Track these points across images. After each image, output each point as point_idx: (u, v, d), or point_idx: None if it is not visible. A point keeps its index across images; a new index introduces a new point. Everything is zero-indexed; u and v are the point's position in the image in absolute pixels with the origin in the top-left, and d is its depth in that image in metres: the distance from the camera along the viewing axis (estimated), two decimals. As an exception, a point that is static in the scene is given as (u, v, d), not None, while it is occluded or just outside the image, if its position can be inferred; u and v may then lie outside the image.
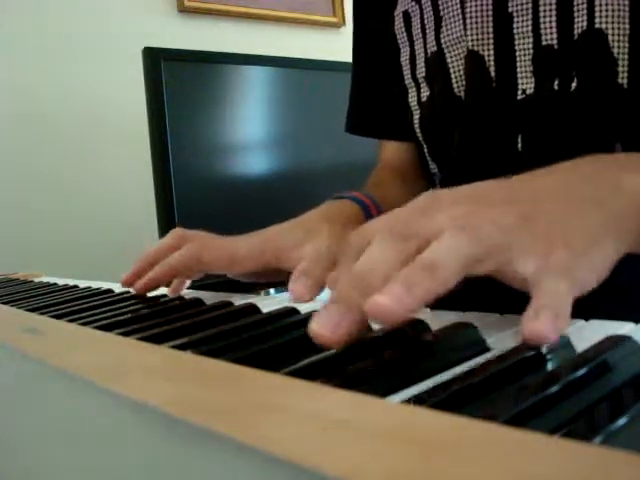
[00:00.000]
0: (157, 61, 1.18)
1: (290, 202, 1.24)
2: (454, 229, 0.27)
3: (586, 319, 0.30)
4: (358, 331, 0.26)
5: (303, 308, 0.37)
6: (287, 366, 0.25)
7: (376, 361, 0.24)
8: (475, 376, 0.21)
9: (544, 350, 0.23)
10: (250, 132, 1.34)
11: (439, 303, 0.36)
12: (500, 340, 0.28)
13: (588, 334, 0.26)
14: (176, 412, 0.17)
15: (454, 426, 0.14)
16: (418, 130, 0.62)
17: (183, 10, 1.65)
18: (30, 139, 1.48)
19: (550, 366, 0.23)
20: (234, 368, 0.22)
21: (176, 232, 0.52)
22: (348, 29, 1.73)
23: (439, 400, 0.19)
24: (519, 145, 0.52)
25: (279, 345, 0.30)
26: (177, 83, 1.21)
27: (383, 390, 0.22)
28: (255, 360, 0.26)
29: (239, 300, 0.44)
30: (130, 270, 0.51)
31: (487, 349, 0.27)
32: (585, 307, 0.37)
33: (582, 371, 0.20)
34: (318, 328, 0.25)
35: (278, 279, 0.51)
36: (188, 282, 0.53)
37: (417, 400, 0.20)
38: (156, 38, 1.40)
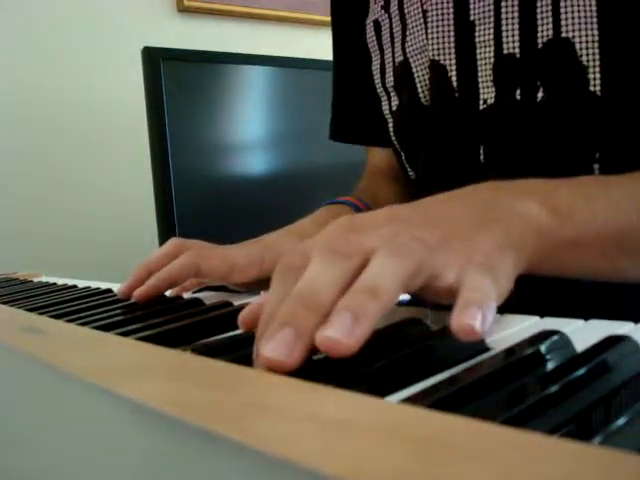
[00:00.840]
0: (157, 61, 1.18)
1: (289, 202, 1.24)
2: (386, 248, 0.28)
3: (585, 319, 0.30)
4: (309, 353, 0.25)
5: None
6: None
7: (375, 361, 0.24)
8: (474, 376, 0.21)
9: (543, 350, 0.23)
10: (250, 132, 1.34)
11: (438, 303, 0.36)
12: (499, 340, 0.28)
13: (587, 334, 0.26)
14: (175, 412, 0.17)
15: (453, 426, 0.14)
16: (393, 137, 0.62)
17: (183, 10, 1.65)
18: (29, 139, 1.48)
19: (549, 366, 0.23)
20: (233, 368, 0.22)
21: (174, 241, 0.52)
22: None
23: (438, 400, 0.19)
24: (481, 156, 0.52)
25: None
26: (177, 83, 1.21)
27: (382, 390, 0.22)
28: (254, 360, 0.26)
29: (239, 300, 0.44)
30: (128, 280, 0.50)
31: (486, 349, 0.27)
32: (584, 307, 0.37)
33: (581, 371, 0.20)
34: (269, 353, 0.24)
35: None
36: (186, 294, 0.53)
37: (416, 400, 0.20)
38: (156, 38, 1.40)
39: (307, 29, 1.84)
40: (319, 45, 1.81)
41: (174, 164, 1.19)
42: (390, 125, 0.62)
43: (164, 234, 1.18)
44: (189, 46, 1.32)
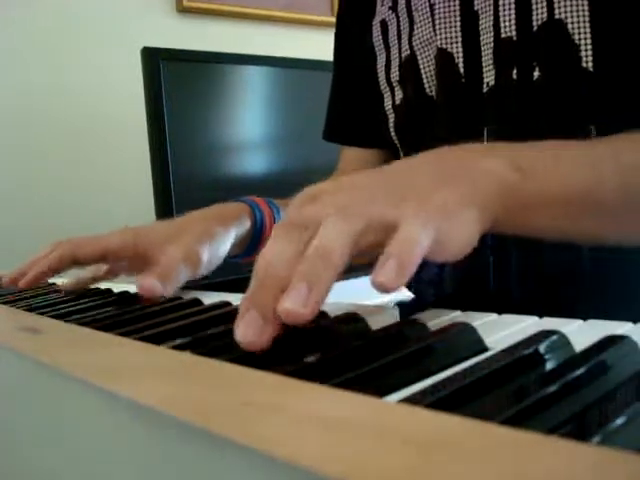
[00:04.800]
0: (156, 61, 1.18)
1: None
2: (335, 213, 0.29)
3: (584, 319, 0.30)
4: (280, 327, 0.27)
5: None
6: (285, 366, 0.25)
7: (375, 361, 0.24)
8: (473, 376, 0.21)
9: (542, 350, 0.23)
10: (249, 132, 1.34)
11: (439, 303, 0.36)
12: (498, 340, 0.28)
13: (586, 334, 0.26)
14: (175, 412, 0.17)
15: (452, 426, 0.14)
16: (393, 134, 0.63)
17: (182, 10, 1.65)
18: (29, 139, 1.48)
19: (548, 365, 0.23)
20: (232, 368, 0.22)
21: (56, 241, 0.59)
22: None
23: (437, 400, 0.19)
24: (485, 140, 0.53)
25: (277, 345, 0.29)
26: (176, 83, 1.21)
27: (381, 390, 0.22)
28: (253, 360, 0.26)
29: (237, 300, 0.44)
30: (11, 273, 0.58)
31: (485, 349, 0.27)
32: (583, 307, 0.37)
33: (580, 371, 0.20)
34: (243, 338, 0.27)
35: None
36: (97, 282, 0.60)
37: (416, 400, 0.20)
38: (155, 38, 1.40)
39: (306, 29, 1.84)
40: (318, 46, 1.81)
41: (173, 164, 1.19)
42: (391, 121, 0.63)
43: (163, 234, 1.18)
44: (188, 46, 1.32)
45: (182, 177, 1.20)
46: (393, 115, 0.62)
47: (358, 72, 0.68)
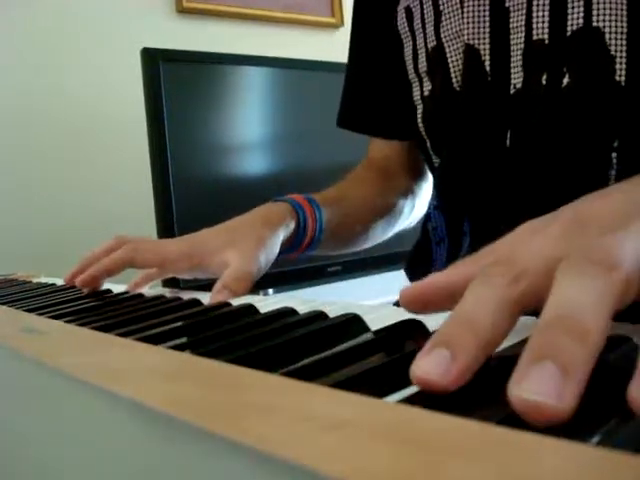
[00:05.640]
0: (155, 62, 1.18)
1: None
2: (579, 263, 0.21)
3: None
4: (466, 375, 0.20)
5: (301, 309, 0.37)
6: (285, 366, 0.25)
7: (374, 362, 0.24)
8: (472, 376, 0.21)
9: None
10: (248, 133, 1.34)
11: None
12: (498, 340, 0.28)
13: (586, 334, 0.26)
14: (174, 413, 0.17)
15: (452, 426, 0.14)
16: (421, 124, 0.62)
17: (182, 11, 1.65)
18: (28, 139, 1.48)
19: (548, 366, 0.23)
20: (232, 369, 0.22)
21: (116, 237, 0.59)
22: (347, 30, 1.72)
23: (437, 400, 0.19)
24: (507, 141, 0.52)
25: (277, 345, 0.30)
26: (175, 84, 1.21)
27: (381, 390, 0.22)
28: (253, 360, 0.26)
29: (237, 300, 0.44)
30: (72, 269, 0.59)
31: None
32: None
33: (580, 371, 0.20)
34: (425, 374, 0.20)
35: (211, 277, 0.55)
36: (151, 282, 0.62)
37: (415, 400, 0.20)
38: (154, 39, 1.40)
39: (306, 30, 1.84)
40: (318, 46, 1.81)
41: (173, 164, 1.19)
42: (419, 111, 0.62)
43: (163, 234, 1.18)
44: (188, 47, 1.32)
45: (182, 177, 1.21)
46: (421, 106, 0.62)
47: (380, 60, 0.67)
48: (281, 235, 0.58)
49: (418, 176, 0.74)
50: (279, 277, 1.27)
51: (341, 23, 1.87)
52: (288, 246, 0.62)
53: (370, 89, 0.70)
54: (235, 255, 0.53)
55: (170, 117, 1.19)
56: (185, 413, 0.16)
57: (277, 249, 0.58)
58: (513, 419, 0.17)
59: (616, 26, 0.46)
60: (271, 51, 1.49)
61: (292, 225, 0.61)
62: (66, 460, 0.17)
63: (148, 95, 1.19)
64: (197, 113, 1.25)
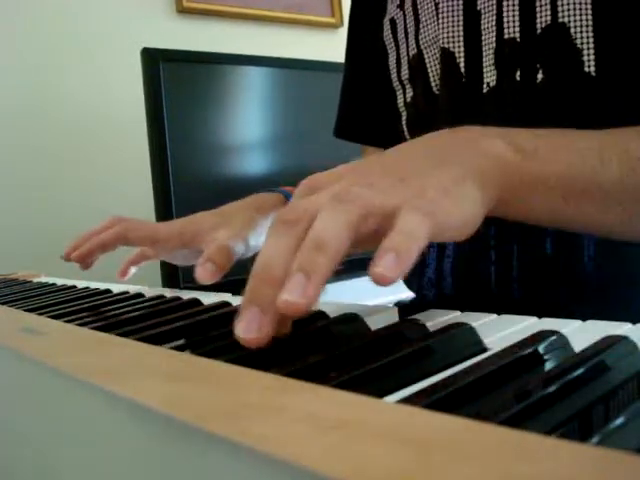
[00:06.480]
0: (156, 62, 1.18)
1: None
2: (330, 203, 0.29)
3: (584, 319, 0.30)
4: (278, 323, 0.27)
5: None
6: (285, 366, 0.25)
7: (374, 361, 0.24)
8: (472, 376, 0.21)
9: (541, 350, 0.23)
10: (248, 133, 1.34)
11: (439, 303, 0.36)
12: (498, 340, 0.28)
13: (586, 334, 0.26)
14: (174, 413, 0.17)
15: (452, 426, 0.14)
16: (405, 130, 0.63)
17: (182, 11, 1.65)
18: (29, 139, 1.48)
19: (547, 366, 0.23)
20: (232, 368, 0.22)
21: (112, 216, 0.62)
22: (346, 30, 1.72)
23: (436, 400, 0.19)
24: None
25: (277, 345, 0.30)
26: (175, 84, 1.21)
27: (381, 391, 0.22)
28: (253, 360, 0.26)
29: (237, 300, 0.44)
30: (69, 244, 0.62)
31: (484, 349, 0.27)
32: (583, 307, 0.37)
33: (579, 371, 0.20)
34: (243, 334, 0.26)
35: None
36: (145, 261, 0.66)
37: (415, 400, 0.20)
38: (155, 39, 1.40)
39: (306, 30, 1.84)
40: (318, 46, 1.81)
41: (173, 164, 1.19)
42: (403, 118, 0.63)
43: (163, 234, 1.18)
44: (188, 47, 1.32)
45: (182, 177, 1.20)
46: (405, 112, 0.63)
47: (371, 70, 0.68)
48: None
49: None
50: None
51: (341, 23, 1.87)
52: None
53: (362, 100, 0.71)
54: (224, 233, 0.55)
55: (170, 117, 1.19)
56: (185, 413, 0.16)
57: None
58: (513, 419, 0.17)
59: (581, 20, 0.47)
60: (271, 51, 1.49)
61: None
62: (66, 459, 0.17)
63: (148, 95, 1.19)
64: (197, 113, 1.25)
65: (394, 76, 0.64)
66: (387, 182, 0.30)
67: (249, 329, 0.26)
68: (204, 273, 0.49)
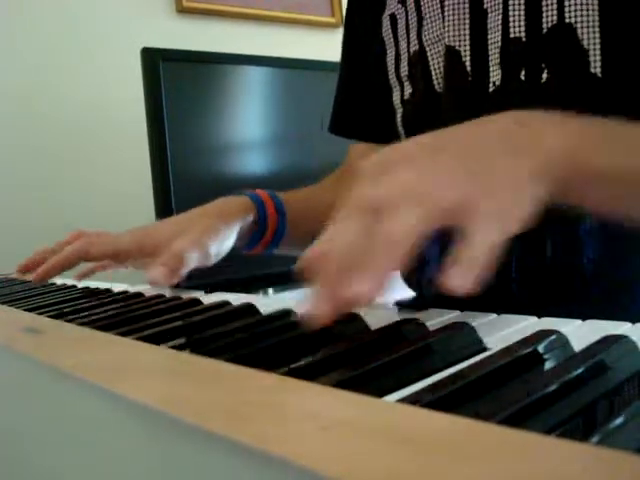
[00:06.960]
0: (155, 61, 1.18)
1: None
2: (405, 203, 0.29)
3: (583, 319, 0.30)
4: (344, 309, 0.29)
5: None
6: (285, 366, 0.25)
7: (374, 361, 0.24)
8: (472, 375, 0.21)
9: (541, 349, 0.23)
10: (248, 132, 1.34)
11: (439, 303, 0.36)
12: (498, 340, 0.28)
13: (585, 334, 0.26)
14: (174, 412, 0.17)
15: (452, 426, 0.14)
16: (401, 128, 0.63)
17: (182, 10, 1.65)
18: (28, 139, 1.48)
19: (547, 365, 0.23)
20: (232, 368, 0.22)
21: (74, 231, 0.62)
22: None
23: (436, 400, 0.19)
24: None
25: (277, 345, 0.30)
26: (175, 83, 1.21)
27: (380, 390, 0.22)
28: (253, 360, 0.26)
29: (237, 300, 0.44)
30: (23, 262, 0.63)
31: (484, 349, 0.27)
32: (582, 307, 0.37)
33: (579, 370, 0.20)
34: (310, 312, 0.28)
35: None
36: (101, 271, 0.67)
37: (415, 399, 0.20)
38: (154, 38, 1.40)
39: (306, 30, 1.84)
40: (318, 46, 1.81)
41: (173, 164, 1.19)
42: (399, 115, 0.63)
43: (163, 234, 1.18)
44: (188, 47, 1.32)
45: (182, 177, 1.20)
46: (401, 109, 0.63)
47: (368, 66, 0.68)
48: (236, 227, 0.60)
49: None
50: (279, 277, 1.27)
51: (341, 23, 1.87)
52: (248, 240, 0.63)
53: (358, 96, 0.71)
54: (180, 243, 0.55)
55: (170, 117, 1.19)
56: (184, 413, 0.16)
57: (231, 241, 0.59)
58: (513, 419, 0.17)
59: (588, 20, 0.47)
60: (271, 51, 1.49)
61: (250, 218, 0.62)
62: (66, 459, 0.17)
63: (148, 95, 1.19)
64: (197, 113, 1.25)
65: (392, 72, 0.64)
66: (459, 174, 0.31)
67: (317, 308, 0.28)
68: (154, 273, 0.50)
